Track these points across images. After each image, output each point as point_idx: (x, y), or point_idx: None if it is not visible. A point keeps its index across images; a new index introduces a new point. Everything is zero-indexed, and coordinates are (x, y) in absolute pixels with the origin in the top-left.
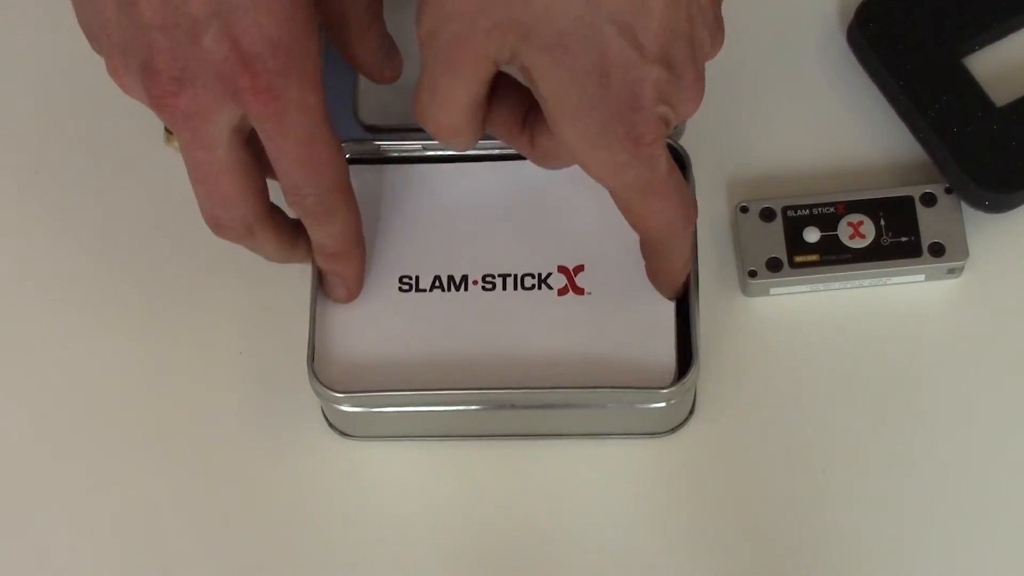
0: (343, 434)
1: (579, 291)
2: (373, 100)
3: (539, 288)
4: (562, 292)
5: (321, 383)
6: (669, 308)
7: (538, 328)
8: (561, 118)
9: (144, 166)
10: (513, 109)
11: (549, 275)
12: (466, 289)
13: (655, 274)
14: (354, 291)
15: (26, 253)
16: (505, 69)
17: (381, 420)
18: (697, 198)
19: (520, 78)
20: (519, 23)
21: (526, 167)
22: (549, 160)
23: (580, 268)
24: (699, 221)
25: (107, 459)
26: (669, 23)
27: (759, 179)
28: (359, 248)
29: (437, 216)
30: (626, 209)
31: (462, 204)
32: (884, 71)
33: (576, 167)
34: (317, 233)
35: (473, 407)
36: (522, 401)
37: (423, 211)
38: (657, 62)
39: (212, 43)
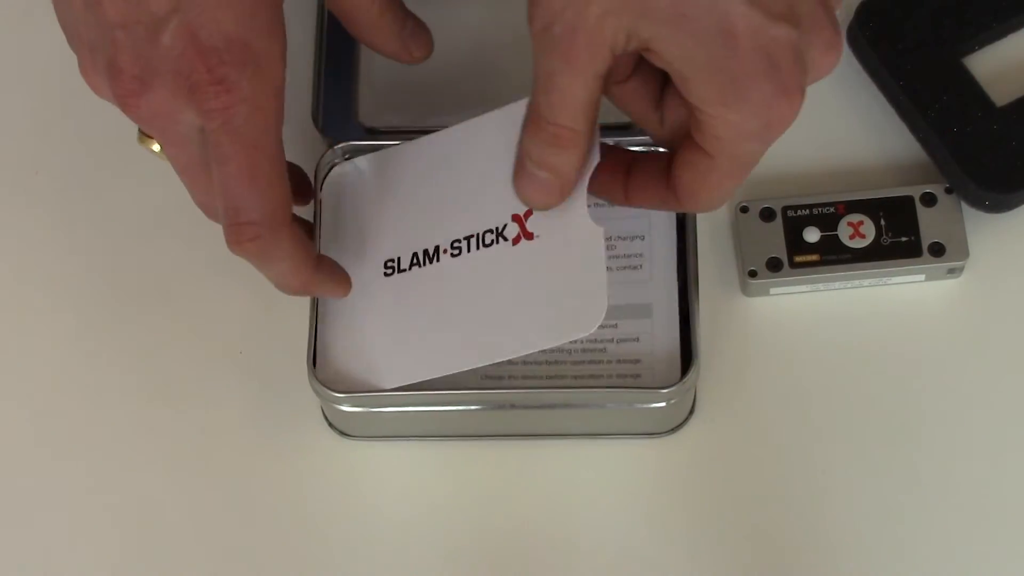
0: (343, 434)
1: (529, 236)
2: (372, 102)
3: (497, 242)
4: (516, 241)
5: (321, 383)
6: (599, 235)
7: (496, 287)
8: (692, 76)
9: (144, 166)
10: (649, 84)
11: (505, 226)
12: (438, 260)
13: (637, 196)
14: (344, 290)
15: (26, 253)
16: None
17: (381, 420)
18: None
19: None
20: (632, 2)
21: (467, 128)
22: (674, 136)
23: (530, 212)
24: (699, 221)
25: (107, 459)
26: None
27: (759, 179)
28: (319, 273)
29: (403, 195)
30: (701, 172)
31: (422, 177)
32: (884, 71)
33: None
34: (269, 274)
35: (473, 407)
36: (522, 401)
37: (389, 193)
38: (784, 20)
39: (171, 39)
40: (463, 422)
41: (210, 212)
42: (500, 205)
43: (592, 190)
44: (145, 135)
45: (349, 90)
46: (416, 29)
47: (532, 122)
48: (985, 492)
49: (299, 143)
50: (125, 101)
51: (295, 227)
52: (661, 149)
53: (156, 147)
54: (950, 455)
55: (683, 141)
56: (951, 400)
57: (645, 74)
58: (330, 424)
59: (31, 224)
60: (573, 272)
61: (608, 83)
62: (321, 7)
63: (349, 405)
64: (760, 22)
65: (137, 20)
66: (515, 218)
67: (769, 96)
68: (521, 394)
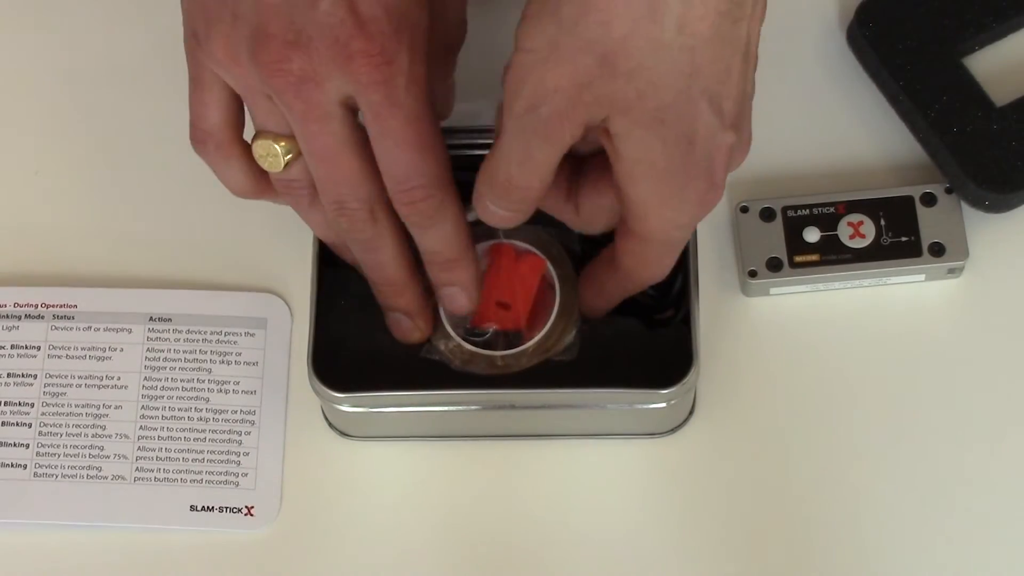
0: (343, 434)
1: None
2: None
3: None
4: None
5: (321, 383)
6: None
7: None
8: (641, 180)
9: (145, 167)
10: (561, 181)
11: None
12: None
13: (600, 292)
14: (475, 296)
15: (25, 253)
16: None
17: (381, 420)
18: None
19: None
20: (620, 99)
21: None
22: (593, 224)
23: None
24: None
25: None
26: (742, 87)
27: (759, 179)
28: (473, 251)
29: None
30: (636, 254)
31: None
32: (884, 71)
33: None
34: (429, 239)
35: (473, 407)
36: (522, 401)
37: None
38: (731, 128)
39: (330, 6)
40: (463, 422)
41: (342, 211)
42: None
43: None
44: (265, 135)
45: None
46: (449, 94)
47: (500, 183)
48: (984, 491)
49: None
50: (274, 67)
51: (456, 189)
52: None
53: (279, 150)
54: (950, 455)
55: (620, 230)
56: (951, 400)
57: (556, 177)
58: (330, 424)
59: (31, 224)
60: None
61: None
62: None
63: (349, 405)
64: (715, 130)
65: None
66: None
67: (702, 192)
68: (521, 394)
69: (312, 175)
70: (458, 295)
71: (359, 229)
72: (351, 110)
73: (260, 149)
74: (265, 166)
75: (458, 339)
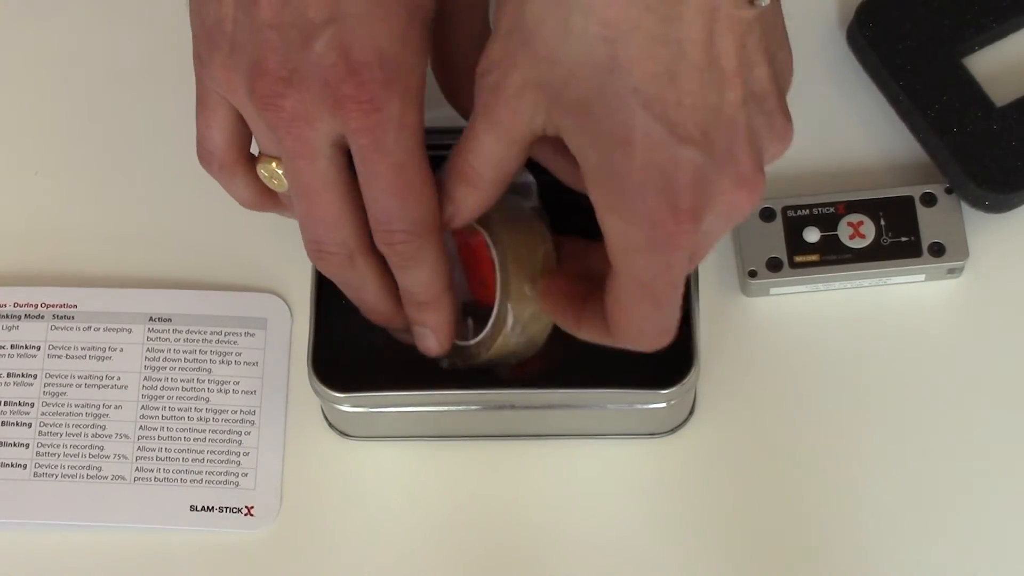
0: (343, 434)
1: None
2: None
3: None
4: None
5: (321, 383)
6: None
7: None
8: (587, 174)
9: (145, 167)
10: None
11: None
12: None
13: (587, 327)
14: (445, 343)
15: (25, 253)
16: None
17: (381, 420)
18: None
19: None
20: (546, 84)
21: None
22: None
23: None
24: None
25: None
26: (707, 103)
27: None
28: (449, 295)
29: None
30: (613, 294)
31: None
32: (884, 71)
33: None
34: (405, 279)
35: (473, 407)
36: (522, 401)
37: None
38: (691, 143)
39: (323, 48)
40: (463, 422)
41: (319, 254)
42: None
43: (546, 309)
44: (267, 158)
45: None
46: None
47: (456, 147)
48: (985, 491)
49: None
50: (267, 102)
51: (441, 236)
52: None
53: (280, 173)
54: (950, 455)
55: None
56: (951, 399)
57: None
58: (330, 424)
59: (31, 225)
60: None
61: (547, 152)
62: None
63: (349, 405)
64: (662, 139)
65: (292, 23)
66: None
67: (654, 210)
68: (521, 394)
69: (295, 210)
70: (428, 337)
71: (337, 272)
72: (342, 149)
73: (264, 171)
74: (270, 186)
75: None
